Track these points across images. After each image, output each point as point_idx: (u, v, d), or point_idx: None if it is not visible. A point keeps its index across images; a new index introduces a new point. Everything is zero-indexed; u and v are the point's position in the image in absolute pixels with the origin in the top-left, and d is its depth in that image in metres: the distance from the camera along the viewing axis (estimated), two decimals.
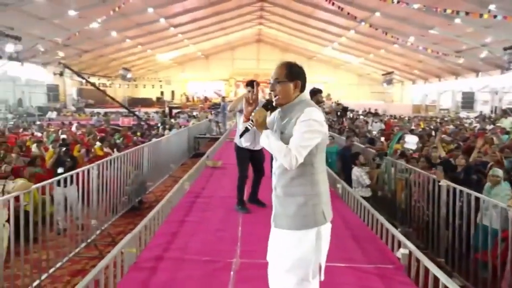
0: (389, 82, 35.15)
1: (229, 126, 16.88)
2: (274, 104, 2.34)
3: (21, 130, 16.46)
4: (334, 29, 27.96)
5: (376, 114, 21.55)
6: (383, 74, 35.63)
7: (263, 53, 40.16)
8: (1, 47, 17.66)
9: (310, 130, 2.13)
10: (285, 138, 2.19)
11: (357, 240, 4.20)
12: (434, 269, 3.07)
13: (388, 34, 21.67)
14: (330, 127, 11.79)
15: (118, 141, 11.60)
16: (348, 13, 19.23)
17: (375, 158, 7.92)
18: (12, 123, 19.74)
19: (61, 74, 24.05)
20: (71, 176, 5.52)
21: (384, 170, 7.42)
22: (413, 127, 15.75)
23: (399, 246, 3.67)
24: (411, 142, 8.06)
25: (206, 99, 37.32)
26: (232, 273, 3.43)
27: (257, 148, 4.91)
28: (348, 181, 7.02)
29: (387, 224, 4.12)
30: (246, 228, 4.48)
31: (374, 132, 14.05)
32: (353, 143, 9.01)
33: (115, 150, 9.23)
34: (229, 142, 10.82)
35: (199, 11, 25.63)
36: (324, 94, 6.67)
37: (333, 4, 18.16)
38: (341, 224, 4.59)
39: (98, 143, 10.45)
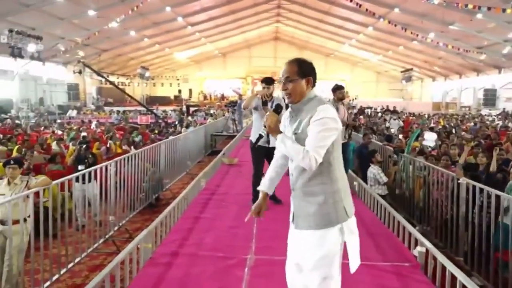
0: (408, 79, 34.61)
1: (245, 124, 16.90)
2: (286, 102, 2.29)
3: (42, 128, 16.86)
4: (352, 26, 27.71)
5: (394, 112, 21.26)
6: (402, 71, 35.11)
7: (280, 51, 40.05)
8: (24, 47, 18.10)
9: (325, 128, 2.09)
10: (299, 138, 2.15)
11: (373, 238, 4.15)
12: (451, 267, 3.00)
13: (408, 31, 21.34)
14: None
15: (136, 138, 11.75)
16: (367, 10, 19.04)
17: (391, 155, 7.82)
18: (33, 121, 20.22)
19: (80, 72, 24.50)
20: (90, 173, 5.61)
21: (401, 167, 7.32)
22: (432, 125, 15.51)
23: (416, 244, 3.61)
24: (429, 139, 7.91)
25: (223, 97, 37.47)
26: (246, 269, 3.43)
27: (272, 145, 4.90)
28: (366, 178, 6.95)
29: (404, 222, 4.06)
30: (261, 225, 4.47)
31: (393, 130, 13.87)
32: (370, 140, 8.90)
33: (132, 147, 9.33)
34: (245, 139, 10.83)
35: (216, 9, 25.75)
36: None
37: (351, 0, 18.00)
38: (357, 222, 4.53)
39: (110, 141, 10.62)
